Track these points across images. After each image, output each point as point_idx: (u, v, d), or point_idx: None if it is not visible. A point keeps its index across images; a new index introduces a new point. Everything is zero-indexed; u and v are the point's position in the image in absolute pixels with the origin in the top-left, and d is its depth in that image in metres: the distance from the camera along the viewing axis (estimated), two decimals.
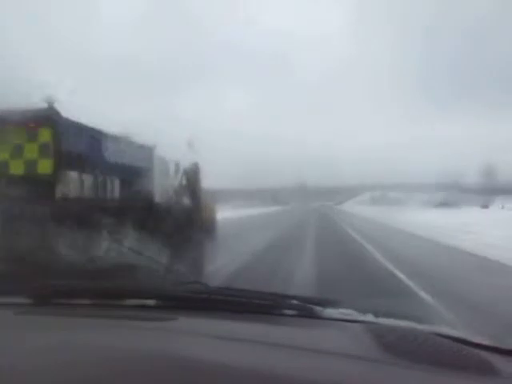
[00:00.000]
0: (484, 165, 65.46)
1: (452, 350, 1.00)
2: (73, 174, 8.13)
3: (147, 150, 11.38)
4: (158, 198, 11.43)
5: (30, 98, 7.78)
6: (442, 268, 8.47)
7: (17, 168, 7.74)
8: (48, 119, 7.77)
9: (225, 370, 0.87)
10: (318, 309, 1.28)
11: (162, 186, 11.95)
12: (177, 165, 13.41)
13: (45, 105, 7.69)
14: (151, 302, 1.37)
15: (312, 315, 1.27)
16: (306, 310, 1.29)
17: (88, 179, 8.61)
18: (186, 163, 13.86)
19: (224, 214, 30.50)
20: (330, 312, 1.29)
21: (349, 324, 1.22)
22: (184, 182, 13.64)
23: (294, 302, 1.33)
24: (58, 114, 7.85)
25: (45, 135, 7.76)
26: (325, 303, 1.33)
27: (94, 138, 8.98)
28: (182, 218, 11.97)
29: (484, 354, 1.00)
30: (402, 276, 7.14)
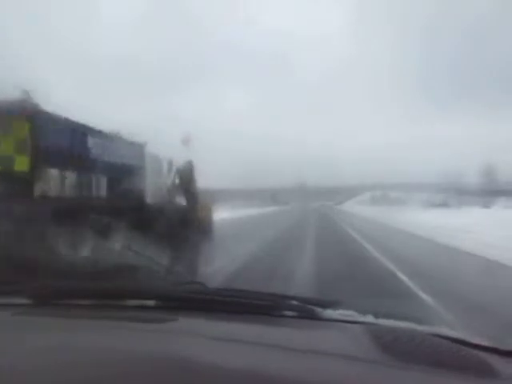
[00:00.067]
0: (484, 165, 65.07)
1: (451, 351, 1.00)
2: (53, 172, 7.57)
3: (137, 148, 10.86)
4: (149, 197, 11.01)
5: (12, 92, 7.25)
6: (441, 268, 8.47)
7: None
8: (24, 112, 7.07)
9: (225, 371, 0.87)
10: (317, 310, 1.28)
11: (154, 185, 11.51)
12: (170, 163, 12.88)
13: (22, 96, 7.07)
14: (151, 302, 1.36)
15: (312, 316, 1.27)
16: (305, 310, 1.29)
17: (70, 177, 8.11)
18: (180, 161, 13.44)
19: (223, 214, 30.51)
20: (330, 313, 1.29)
21: (348, 325, 1.22)
22: (177, 180, 13.13)
23: (294, 302, 1.33)
24: (35, 106, 7.23)
25: (21, 129, 7.06)
26: (324, 304, 1.33)
27: (77, 133, 8.33)
28: (175, 218, 11.52)
29: (483, 355, 1.00)
30: (402, 276, 7.14)
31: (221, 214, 29.86)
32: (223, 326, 1.20)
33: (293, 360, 0.94)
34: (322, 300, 1.39)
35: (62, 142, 7.86)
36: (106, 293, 1.46)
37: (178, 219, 11.72)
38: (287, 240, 14.52)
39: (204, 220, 14.35)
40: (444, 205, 52.81)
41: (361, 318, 1.26)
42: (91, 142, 8.75)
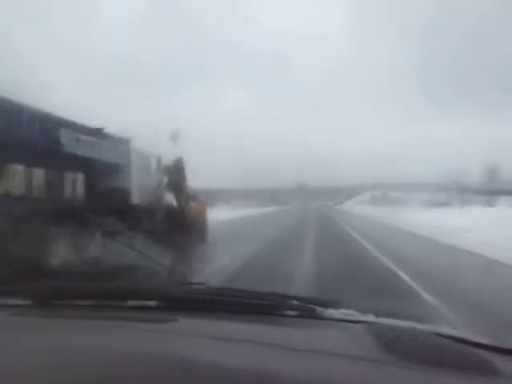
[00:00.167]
0: (487, 164, 64.47)
1: (452, 350, 0.99)
2: (11, 168, 6.82)
3: (121, 143, 10.07)
4: (135, 197, 10.27)
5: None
6: (442, 268, 8.47)
7: None
8: None
9: (225, 371, 0.86)
10: (318, 309, 1.28)
11: (141, 184, 10.72)
12: (159, 160, 12.05)
13: None
14: (151, 302, 1.36)
15: (313, 315, 1.26)
16: (306, 310, 1.28)
17: (35, 174, 7.28)
18: (170, 159, 12.51)
19: (223, 215, 30.56)
20: (331, 312, 1.29)
21: (349, 324, 1.21)
22: (166, 179, 12.24)
23: (295, 302, 1.33)
24: None
25: None
26: (325, 303, 1.33)
27: (43, 124, 7.47)
28: (164, 220, 10.99)
29: (484, 354, 1.00)
30: (403, 275, 7.15)
31: (221, 214, 29.93)
32: (223, 326, 1.20)
33: (294, 359, 0.94)
34: (323, 299, 1.38)
35: (23, 134, 6.91)
36: (105, 293, 1.46)
37: (168, 221, 11.10)
38: (287, 240, 14.52)
39: (197, 221, 13.36)
40: (445, 204, 52.67)
41: (362, 317, 1.26)
42: (64, 135, 7.87)
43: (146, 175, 11.15)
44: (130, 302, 1.36)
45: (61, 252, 7.17)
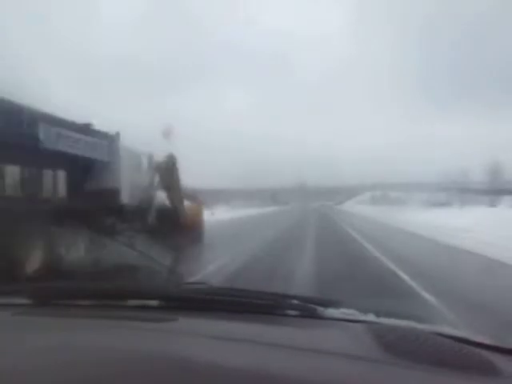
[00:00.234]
0: (489, 164, 63.51)
1: (453, 350, 0.99)
2: None
3: (107, 140, 9.47)
4: (124, 196, 9.75)
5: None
6: (442, 268, 8.46)
7: None
8: None
9: (225, 370, 0.86)
10: (319, 309, 1.28)
11: (130, 183, 10.17)
12: (150, 158, 11.41)
13: None
14: (152, 302, 1.36)
15: (313, 315, 1.27)
16: (307, 309, 1.29)
17: (9, 171, 6.88)
18: (161, 156, 11.88)
19: (223, 214, 30.57)
20: (331, 312, 1.29)
21: (350, 324, 1.21)
22: (157, 177, 11.54)
23: (295, 301, 1.33)
24: None
25: None
26: (326, 303, 1.33)
27: (16, 116, 6.90)
28: (155, 220, 10.56)
29: (485, 354, 1.00)
30: (402, 275, 7.14)
31: (221, 214, 29.94)
32: (224, 325, 1.20)
33: (294, 359, 0.94)
34: (324, 299, 1.38)
35: None
36: (106, 293, 1.46)
37: (160, 221, 10.64)
38: (287, 239, 14.51)
39: (193, 222, 12.65)
40: (446, 204, 52.42)
41: (362, 317, 1.26)
42: (42, 129, 7.32)
43: (137, 173, 10.65)
44: (131, 302, 1.36)
45: (39, 253, 6.85)
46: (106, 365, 0.90)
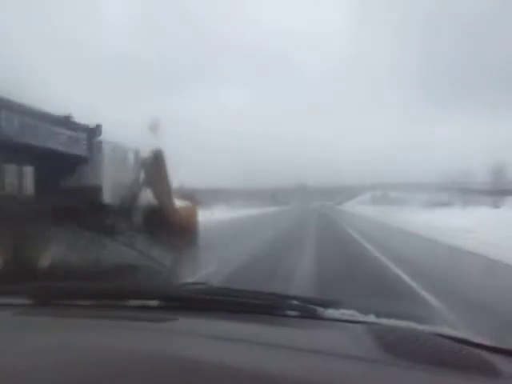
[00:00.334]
0: (492, 164, 62.41)
1: (453, 351, 0.99)
2: None
3: (87, 132, 8.74)
4: (107, 194, 9.02)
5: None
6: (443, 268, 8.46)
7: None
8: None
9: (225, 370, 0.86)
10: (318, 309, 1.28)
11: (114, 180, 9.39)
12: (136, 153, 10.57)
13: None
14: (151, 302, 1.36)
15: (313, 316, 1.27)
16: (307, 310, 1.29)
17: None
18: (149, 152, 11.00)
19: (223, 214, 30.57)
20: (331, 312, 1.29)
21: (350, 324, 1.22)
22: (143, 174, 10.62)
23: (295, 302, 1.33)
24: None
25: None
26: (326, 304, 1.33)
27: None
28: (141, 220, 9.88)
29: (485, 355, 1.00)
30: (403, 276, 7.15)
31: (221, 214, 29.95)
32: (224, 325, 1.20)
33: (294, 359, 0.94)
34: (324, 299, 1.39)
35: None
36: (106, 293, 1.46)
37: (146, 221, 9.91)
38: (287, 240, 14.50)
39: (186, 222, 11.59)
40: (447, 204, 51.97)
41: (362, 318, 1.26)
42: (2, 117, 6.72)
43: (121, 169, 9.83)
44: (131, 302, 1.36)
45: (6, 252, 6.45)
46: (106, 365, 0.90)
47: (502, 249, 9.83)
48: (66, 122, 8.21)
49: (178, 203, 11.98)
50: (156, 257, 6.80)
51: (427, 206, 51.01)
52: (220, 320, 1.24)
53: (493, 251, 9.69)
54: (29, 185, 7.35)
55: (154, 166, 10.84)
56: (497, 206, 45.34)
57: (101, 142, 9.18)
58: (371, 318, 1.26)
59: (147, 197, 10.75)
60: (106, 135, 9.64)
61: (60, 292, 1.47)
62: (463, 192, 59.63)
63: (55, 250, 6.93)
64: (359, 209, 58.62)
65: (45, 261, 6.73)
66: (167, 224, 10.40)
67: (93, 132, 9.02)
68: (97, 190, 8.85)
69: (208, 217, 23.27)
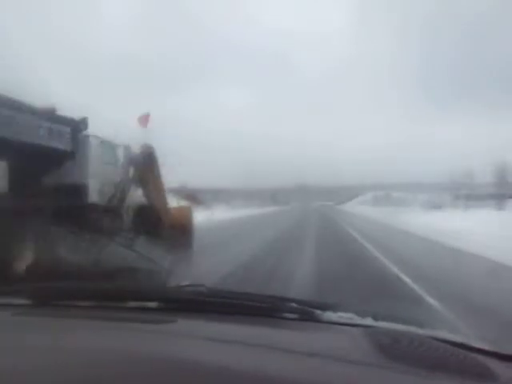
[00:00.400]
0: (496, 163, 61.32)
1: (450, 355, 1.00)
2: None
3: (72, 126, 8.06)
4: (93, 193, 8.42)
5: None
6: (446, 271, 8.31)
7: None
8: None
9: (223, 372, 0.87)
10: (316, 312, 1.28)
11: (101, 178, 8.75)
12: (126, 150, 9.82)
13: None
14: (151, 304, 1.36)
15: (311, 318, 1.27)
16: (305, 313, 1.29)
17: None
18: (139, 148, 10.16)
19: (223, 214, 30.53)
20: (329, 315, 1.29)
21: (347, 327, 1.22)
22: (132, 171, 9.80)
23: (293, 304, 1.33)
24: None
25: None
26: (323, 306, 1.33)
27: None
28: (130, 222, 9.28)
29: (483, 359, 1.00)
30: (405, 278, 7.11)
31: (221, 214, 29.92)
32: (222, 327, 1.21)
33: (291, 362, 0.94)
34: (322, 302, 1.39)
35: None
36: (106, 294, 1.46)
37: (136, 222, 9.31)
38: (287, 240, 14.47)
39: (180, 225, 10.74)
40: (450, 205, 51.33)
41: (360, 321, 1.26)
42: None
43: (109, 167, 9.17)
44: (131, 303, 1.36)
45: None
46: (105, 366, 0.90)
47: (500, 251, 9.78)
48: (46, 113, 7.49)
49: (173, 204, 11.29)
50: (148, 258, 6.66)
51: (431, 207, 50.04)
52: (219, 322, 1.24)
53: (494, 254, 9.55)
54: (2, 182, 6.83)
55: (145, 163, 10.06)
56: (500, 208, 44.78)
57: (87, 137, 8.51)
58: (369, 321, 1.26)
59: (137, 196, 10.09)
60: (107, 135, 9.34)
61: (59, 292, 1.47)
62: (469, 193, 58.57)
63: (39, 249, 6.67)
64: (360, 209, 58.29)
65: (22, 260, 6.41)
66: (159, 225, 9.83)
67: (78, 126, 8.28)
68: (82, 188, 8.22)
69: (208, 217, 23.28)
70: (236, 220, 27.85)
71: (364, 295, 5.48)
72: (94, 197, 8.49)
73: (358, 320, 1.27)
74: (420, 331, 1.23)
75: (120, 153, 9.70)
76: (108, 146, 9.26)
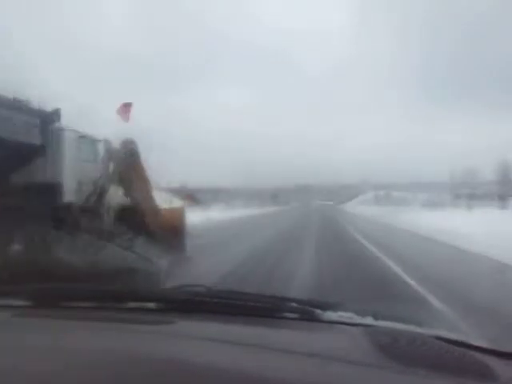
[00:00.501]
0: (499, 162, 60.47)
1: (450, 354, 0.99)
2: None
3: (41, 118, 7.26)
4: (68, 192, 7.68)
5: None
6: (454, 272, 8.15)
7: None
8: None
9: (223, 373, 0.86)
10: (317, 311, 1.28)
11: (78, 176, 8.00)
12: (107, 145, 8.97)
13: None
14: (150, 304, 1.36)
15: (311, 318, 1.27)
16: (305, 312, 1.29)
17: None
18: (119, 143, 9.07)
19: (223, 214, 30.50)
20: (329, 315, 1.29)
21: (347, 327, 1.22)
22: (111, 169, 8.93)
23: (293, 304, 1.33)
24: None
25: None
26: (324, 306, 1.33)
27: None
28: (111, 223, 8.42)
29: (482, 357, 1.00)
30: (409, 280, 7.03)
31: (221, 214, 29.91)
32: (222, 328, 1.21)
33: (292, 362, 0.94)
34: (322, 302, 1.39)
35: None
36: (106, 295, 1.46)
37: (119, 226, 8.49)
38: (287, 240, 14.45)
39: (171, 228, 9.82)
40: (453, 205, 51.06)
41: (360, 320, 1.26)
42: None
43: (87, 163, 8.35)
44: (130, 304, 1.36)
45: None
46: (105, 366, 0.90)
47: (502, 250, 9.74)
48: (9, 103, 6.78)
49: (164, 204, 10.29)
50: (136, 259, 6.35)
51: (432, 206, 49.72)
52: (218, 322, 1.24)
53: (497, 253, 9.49)
54: None
55: (126, 160, 9.02)
56: (503, 207, 44.52)
57: (61, 130, 7.65)
58: (369, 321, 1.26)
59: (119, 195, 9.07)
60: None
61: (59, 294, 1.47)
62: (467, 193, 58.24)
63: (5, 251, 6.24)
64: (360, 209, 58.11)
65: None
66: (144, 226, 8.88)
67: (48, 117, 7.40)
68: (54, 186, 7.42)
69: (206, 217, 23.29)
70: (236, 220, 27.79)
71: (365, 295, 5.46)
72: (68, 195, 7.70)
73: (358, 319, 1.26)
74: (420, 330, 1.23)
75: (100, 148, 8.87)
76: (86, 140, 8.43)
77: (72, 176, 7.83)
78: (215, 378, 0.84)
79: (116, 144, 9.04)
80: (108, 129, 9.23)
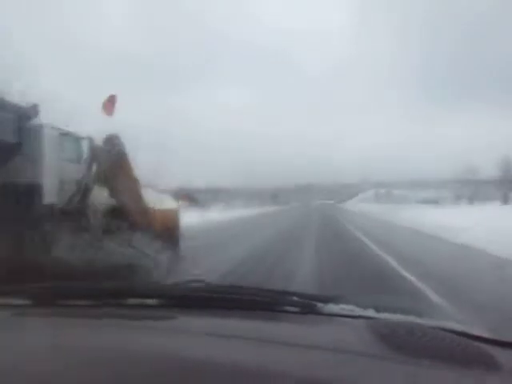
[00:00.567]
0: (502, 159, 59.70)
1: (453, 344, 0.99)
2: None
3: (18, 114, 6.89)
4: (49, 193, 7.25)
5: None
6: (452, 268, 8.23)
7: None
8: None
9: (225, 368, 0.86)
10: (318, 305, 1.28)
11: (58, 175, 7.58)
12: (89, 142, 8.44)
13: None
14: (150, 301, 1.36)
15: (313, 311, 1.26)
16: (306, 305, 1.28)
17: None
18: (102, 140, 8.44)
19: (223, 214, 30.53)
20: (331, 308, 1.28)
21: (349, 319, 1.22)
22: (95, 167, 8.35)
23: (294, 298, 1.33)
24: None
25: None
26: (325, 299, 1.33)
27: None
28: (96, 226, 7.81)
29: (485, 347, 1.00)
30: (409, 276, 7.04)
31: (221, 214, 29.94)
32: (223, 322, 1.21)
33: (294, 355, 0.94)
34: (323, 295, 1.38)
35: None
36: (105, 292, 1.46)
37: (103, 224, 7.98)
38: (287, 240, 14.44)
39: (165, 229, 9.29)
40: (453, 202, 51.10)
41: (361, 312, 1.26)
42: None
43: (69, 162, 7.91)
44: (130, 301, 1.36)
45: None
46: (106, 363, 0.90)
47: (500, 244, 9.76)
48: None
49: (156, 205, 9.65)
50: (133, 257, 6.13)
51: (432, 203, 49.79)
52: (219, 317, 1.24)
53: (496, 248, 9.52)
54: None
55: (111, 158, 8.43)
56: (505, 203, 44.51)
57: (40, 127, 7.20)
58: (370, 313, 1.26)
59: (104, 196, 8.52)
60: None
61: (59, 292, 1.47)
62: (473, 189, 58.11)
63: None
64: (361, 207, 58.22)
65: None
66: (132, 227, 8.34)
67: (25, 113, 7.01)
68: (32, 186, 7.00)
69: (206, 217, 23.32)
70: (236, 220, 27.78)
71: (366, 292, 5.49)
72: (49, 196, 7.28)
73: (359, 312, 1.26)
74: (422, 321, 1.22)
75: (84, 146, 8.40)
76: (68, 138, 7.97)
77: (53, 175, 7.41)
78: (216, 372, 0.84)
79: (99, 141, 8.49)
80: (99, 126, 8.80)
